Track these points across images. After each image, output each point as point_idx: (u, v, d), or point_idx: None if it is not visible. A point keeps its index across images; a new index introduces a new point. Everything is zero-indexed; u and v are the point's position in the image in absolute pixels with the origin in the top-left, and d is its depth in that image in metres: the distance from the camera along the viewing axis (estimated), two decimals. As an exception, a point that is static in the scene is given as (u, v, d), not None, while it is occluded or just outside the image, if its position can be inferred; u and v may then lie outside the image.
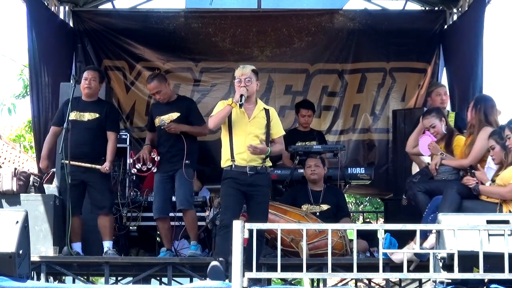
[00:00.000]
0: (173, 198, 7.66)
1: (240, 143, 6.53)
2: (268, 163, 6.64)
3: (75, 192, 7.50)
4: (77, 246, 7.53)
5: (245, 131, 6.54)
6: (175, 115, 7.56)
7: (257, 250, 5.72)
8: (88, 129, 7.59)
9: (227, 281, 6.33)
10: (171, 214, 7.65)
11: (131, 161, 7.67)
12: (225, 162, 6.60)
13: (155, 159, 7.53)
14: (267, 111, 6.68)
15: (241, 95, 6.48)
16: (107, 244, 7.52)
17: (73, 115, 7.57)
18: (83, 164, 7.50)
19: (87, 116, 7.62)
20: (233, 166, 6.53)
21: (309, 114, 9.04)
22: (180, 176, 7.43)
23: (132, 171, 7.74)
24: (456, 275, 5.37)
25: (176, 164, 7.45)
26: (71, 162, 7.41)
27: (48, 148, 7.72)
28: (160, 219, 7.54)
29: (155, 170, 7.55)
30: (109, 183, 7.73)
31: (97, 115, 7.63)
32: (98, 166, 7.49)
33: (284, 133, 6.82)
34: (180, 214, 7.65)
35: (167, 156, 7.52)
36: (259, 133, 6.56)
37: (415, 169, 8.24)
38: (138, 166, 7.60)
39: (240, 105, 6.48)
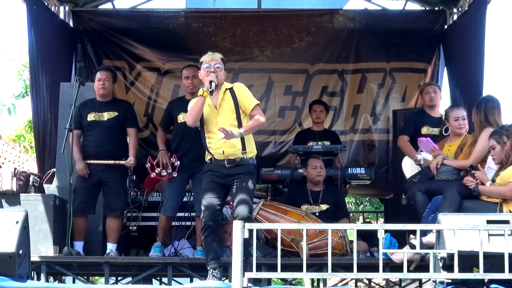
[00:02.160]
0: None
1: (214, 139, 6.30)
2: (251, 153, 6.36)
3: (91, 191, 7.56)
4: (79, 245, 7.53)
5: (216, 124, 6.28)
6: None
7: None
8: (108, 128, 7.65)
9: (227, 281, 6.34)
10: (180, 214, 7.70)
11: (149, 165, 7.61)
12: (206, 156, 6.45)
13: (175, 164, 7.50)
14: (231, 91, 6.35)
15: (211, 81, 6.23)
16: (111, 247, 7.53)
17: (92, 116, 7.65)
18: (106, 162, 7.54)
19: (106, 115, 7.69)
20: (213, 160, 6.37)
21: (321, 109, 9.08)
22: (200, 180, 7.19)
23: (152, 176, 7.66)
24: (456, 275, 5.37)
25: (196, 166, 7.33)
26: (91, 161, 7.50)
27: (78, 151, 7.63)
28: (169, 217, 7.54)
29: (175, 175, 7.51)
30: (126, 185, 7.75)
31: (116, 114, 7.70)
32: (122, 162, 7.52)
33: (257, 102, 6.38)
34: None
35: (186, 157, 7.49)
36: (231, 120, 6.29)
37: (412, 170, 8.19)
38: (158, 170, 7.56)
39: (211, 92, 6.23)
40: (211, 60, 6.37)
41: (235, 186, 6.30)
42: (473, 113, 7.17)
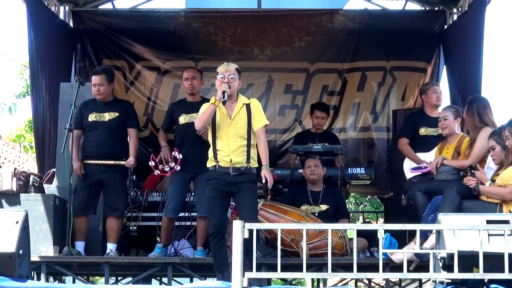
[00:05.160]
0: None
1: (224, 145, 6.46)
2: (253, 164, 6.52)
3: (92, 191, 7.56)
4: (80, 246, 7.53)
5: (228, 133, 6.46)
6: None
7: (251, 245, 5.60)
8: (109, 128, 7.66)
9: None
10: (180, 214, 7.67)
11: (153, 163, 7.58)
12: (210, 162, 6.55)
13: (177, 157, 7.44)
14: (248, 106, 6.55)
15: (224, 92, 6.39)
16: (110, 247, 7.53)
17: (93, 117, 7.65)
18: (107, 162, 7.55)
19: (107, 116, 7.69)
20: (217, 167, 6.48)
21: (323, 116, 9.09)
22: (203, 181, 7.12)
23: (156, 173, 7.61)
24: (456, 275, 5.37)
25: (199, 167, 7.25)
26: (91, 161, 7.51)
27: (76, 150, 7.63)
28: (171, 219, 7.53)
29: (178, 169, 7.44)
30: (126, 186, 7.74)
31: (117, 114, 7.71)
32: (122, 162, 7.53)
33: (266, 122, 6.60)
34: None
35: (189, 158, 7.45)
36: (242, 132, 6.47)
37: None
38: (161, 167, 7.53)
39: (224, 102, 6.40)
40: (225, 71, 6.53)
41: (240, 193, 6.45)
42: (465, 115, 7.15)
